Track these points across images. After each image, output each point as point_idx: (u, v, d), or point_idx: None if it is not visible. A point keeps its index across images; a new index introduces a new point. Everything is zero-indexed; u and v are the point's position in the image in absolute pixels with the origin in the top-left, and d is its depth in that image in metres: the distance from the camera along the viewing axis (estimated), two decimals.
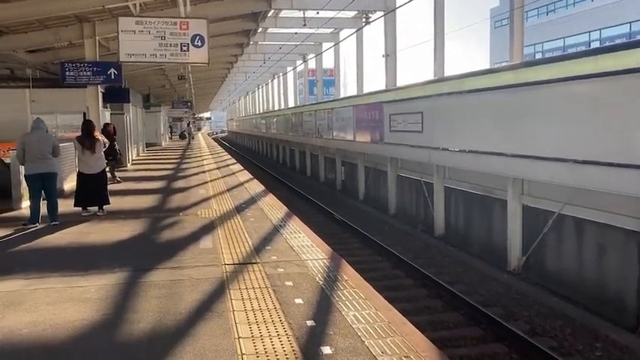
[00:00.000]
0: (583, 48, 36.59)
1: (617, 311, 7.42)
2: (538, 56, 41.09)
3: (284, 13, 20.15)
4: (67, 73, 13.71)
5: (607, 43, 34.38)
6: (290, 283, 5.30)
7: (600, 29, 36.33)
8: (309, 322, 4.31)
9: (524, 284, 8.83)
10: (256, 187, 13.71)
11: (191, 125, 50.36)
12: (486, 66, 45.96)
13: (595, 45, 36.57)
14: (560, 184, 8.23)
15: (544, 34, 40.45)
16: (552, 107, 8.13)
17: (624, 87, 6.90)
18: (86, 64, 13.97)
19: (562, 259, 8.65)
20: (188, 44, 9.03)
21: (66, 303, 4.84)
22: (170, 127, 54.75)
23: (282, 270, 5.78)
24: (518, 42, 10.46)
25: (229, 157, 26.99)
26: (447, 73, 12.92)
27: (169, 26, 9.02)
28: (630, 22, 33.58)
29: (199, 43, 9.08)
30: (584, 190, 7.85)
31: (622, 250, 7.50)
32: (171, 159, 24.82)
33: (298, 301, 4.80)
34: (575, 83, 7.71)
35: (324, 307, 4.66)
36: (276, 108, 37.11)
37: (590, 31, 37.37)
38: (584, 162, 7.46)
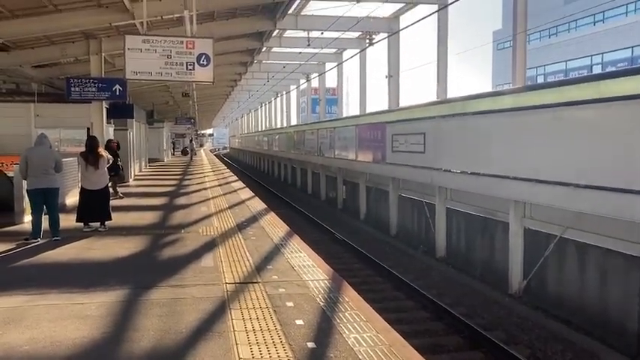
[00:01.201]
0: (585, 71, 36.89)
1: (618, 336, 7.38)
2: (540, 78, 41.37)
3: (288, 33, 20.38)
4: (73, 89, 13.86)
5: (609, 67, 34.68)
6: (291, 304, 5.29)
7: (602, 53, 36.59)
8: (310, 344, 4.30)
9: (525, 308, 8.79)
10: (257, 204, 13.73)
11: (193, 141, 50.63)
12: (488, 88, 46.32)
13: (597, 68, 36.87)
14: (561, 208, 8.23)
15: (547, 56, 40.75)
16: (554, 131, 8.18)
17: (624, 112, 6.95)
18: (91, 80, 14.11)
19: (563, 283, 8.62)
20: (194, 63, 9.13)
21: (67, 320, 4.83)
22: (173, 143, 54.99)
23: (283, 290, 5.77)
24: (520, 65, 10.56)
25: (231, 174, 27.05)
26: (450, 94, 13.03)
27: (175, 45, 9.12)
28: (632, 47, 33.84)
29: (205, 62, 9.17)
30: (586, 215, 7.86)
31: (623, 276, 7.48)
32: (173, 175, 24.89)
33: (299, 322, 4.79)
34: (577, 108, 7.75)
35: (325, 329, 4.65)
36: (279, 126, 37.29)
37: (592, 55, 37.64)
38: (586, 186, 7.48)
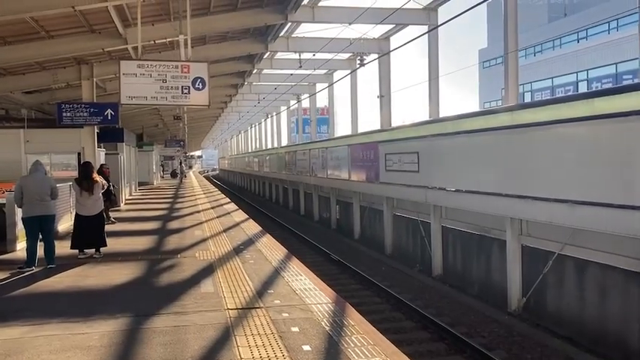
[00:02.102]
0: (571, 88, 37.39)
1: (619, 353, 7.37)
2: (527, 95, 41.83)
3: (280, 55, 20.51)
4: (64, 114, 13.77)
5: (594, 83, 35.18)
6: (296, 329, 5.23)
7: (587, 70, 37.14)
8: None
9: (525, 325, 8.77)
10: (252, 227, 13.65)
11: (183, 164, 50.49)
12: (475, 105, 46.77)
13: (582, 84, 37.40)
14: (559, 225, 8.26)
15: (534, 73, 41.25)
16: (549, 148, 8.24)
17: (618, 129, 7.03)
18: (83, 105, 14.04)
19: (563, 299, 8.62)
20: (189, 87, 9.12)
21: (69, 351, 4.73)
22: (162, 165, 54.82)
23: (287, 315, 5.71)
24: (512, 84, 10.68)
25: (222, 196, 26.92)
26: (442, 112, 13.12)
27: (171, 69, 9.12)
28: (616, 63, 34.39)
29: (200, 86, 9.17)
30: (584, 231, 7.89)
31: (623, 292, 7.49)
32: (164, 198, 24.71)
33: (306, 348, 4.72)
34: (572, 125, 7.84)
35: (333, 354, 4.59)
36: (269, 146, 37.29)
37: (577, 72, 38.18)
38: (583, 203, 7.52)
